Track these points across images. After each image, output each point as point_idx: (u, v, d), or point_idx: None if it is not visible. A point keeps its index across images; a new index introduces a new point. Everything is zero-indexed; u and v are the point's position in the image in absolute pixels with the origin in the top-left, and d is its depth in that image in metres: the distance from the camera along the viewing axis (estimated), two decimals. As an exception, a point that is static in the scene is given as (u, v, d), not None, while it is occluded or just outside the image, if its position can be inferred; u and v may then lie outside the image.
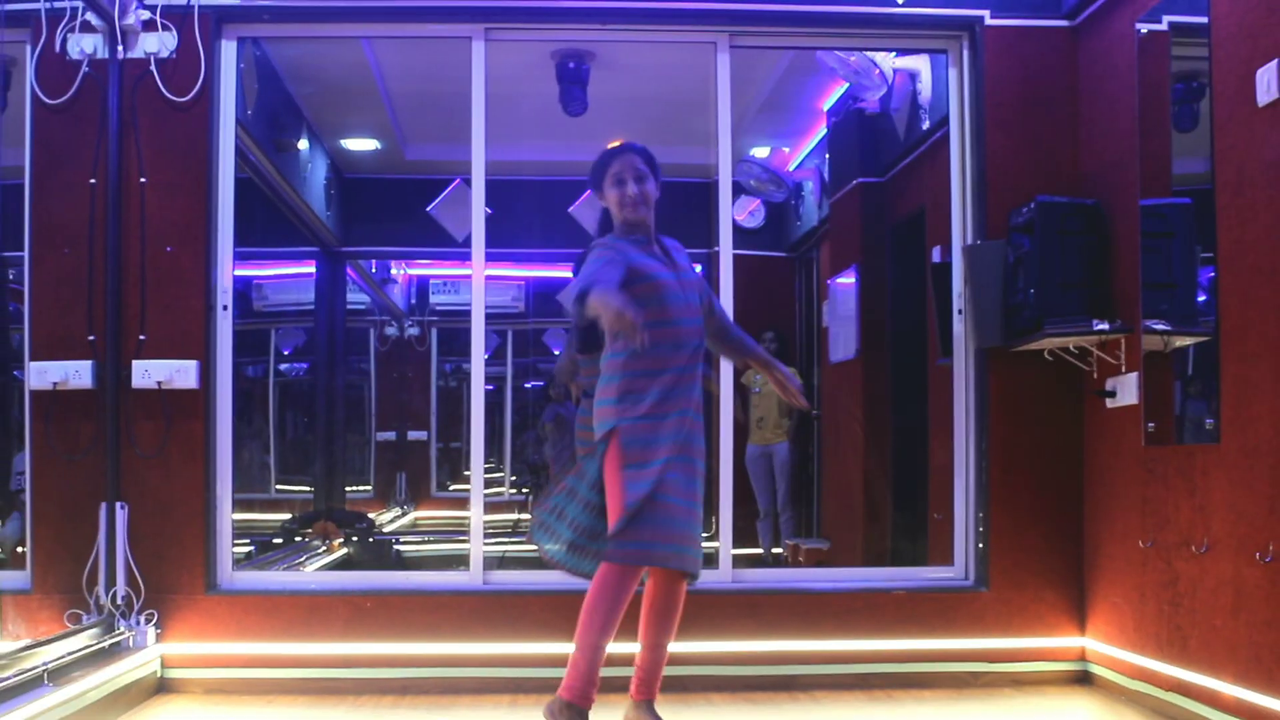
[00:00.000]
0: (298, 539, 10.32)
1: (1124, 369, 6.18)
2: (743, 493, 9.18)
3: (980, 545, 6.71)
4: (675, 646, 6.40)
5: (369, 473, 13.44)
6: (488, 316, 6.88)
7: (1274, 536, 4.92)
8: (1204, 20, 5.48)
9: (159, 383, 6.42)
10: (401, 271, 13.62)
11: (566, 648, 6.27)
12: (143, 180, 6.49)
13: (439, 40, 6.99)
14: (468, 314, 6.92)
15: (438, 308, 13.75)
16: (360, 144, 11.10)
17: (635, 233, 5.25)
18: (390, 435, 13.61)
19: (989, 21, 6.75)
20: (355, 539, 10.63)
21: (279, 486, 12.06)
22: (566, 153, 10.44)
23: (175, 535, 6.44)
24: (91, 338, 6.43)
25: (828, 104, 9.91)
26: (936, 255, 7.55)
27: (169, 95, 6.52)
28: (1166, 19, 5.95)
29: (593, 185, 5.38)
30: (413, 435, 13.67)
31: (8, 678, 5.05)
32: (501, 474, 13.61)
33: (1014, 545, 6.64)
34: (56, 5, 6.46)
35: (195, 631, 6.40)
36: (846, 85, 9.11)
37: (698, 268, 11.86)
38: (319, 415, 12.25)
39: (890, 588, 6.69)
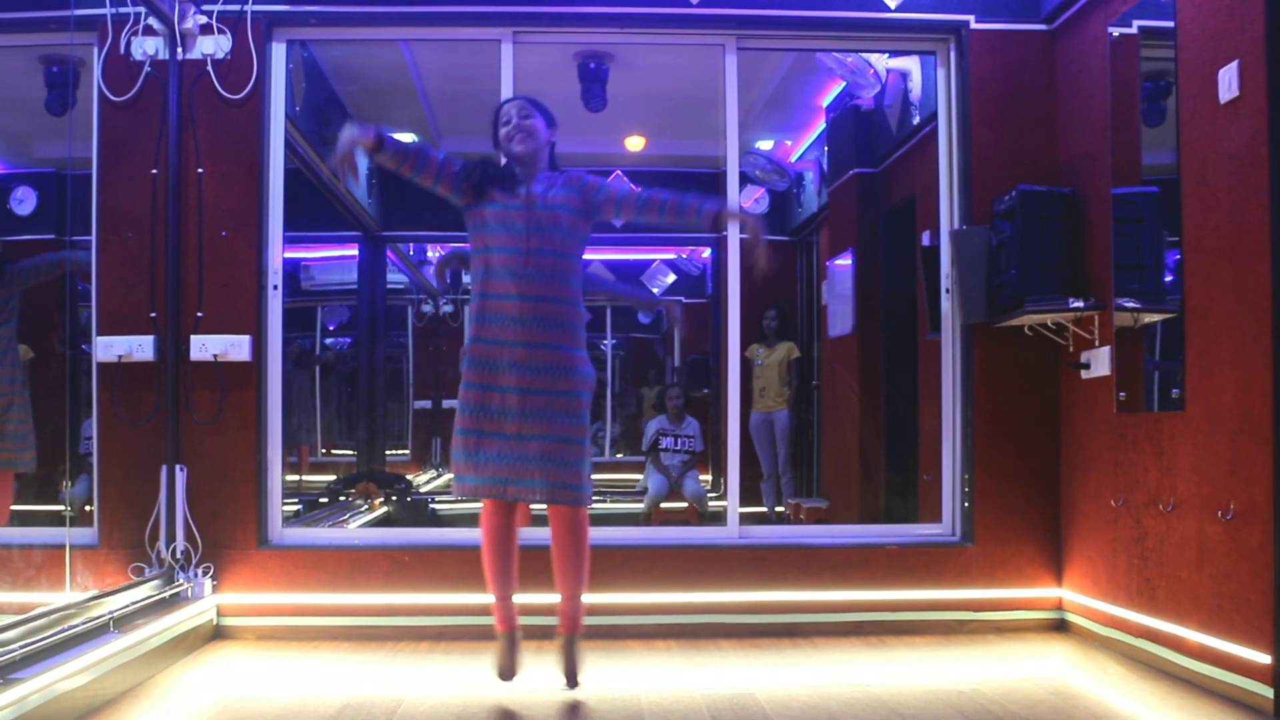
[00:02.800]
0: (342, 498, 10.33)
1: (1097, 343, 6.17)
2: (747, 457, 9.19)
3: (966, 504, 6.71)
4: (688, 596, 6.45)
5: (407, 438, 13.43)
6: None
7: (1234, 496, 4.92)
8: (1171, 25, 5.46)
9: (215, 356, 6.43)
10: (436, 254, 13.60)
11: (584, 598, 6.30)
12: (200, 171, 6.50)
13: (471, 43, 6.97)
14: (497, 293, 6.90)
15: (470, 287, 13.71)
16: (399, 137, 11.05)
17: (516, 167, 5.20)
18: (426, 403, 13.59)
19: (974, 26, 6.74)
20: (394, 498, 10.63)
21: (325, 450, 12.09)
22: (587, 145, 10.45)
23: (230, 495, 6.46)
24: (153, 314, 6.44)
25: (826, 101, 9.87)
26: (926, 239, 7.53)
27: (224, 93, 6.52)
28: (1136, 23, 5.93)
29: (491, 139, 5.33)
30: (447, 403, 13.61)
31: (77, 625, 5.08)
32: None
33: (997, 504, 6.65)
34: (121, 11, 6.47)
35: (248, 583, 6.43)
36: (844, 84, 9.07)
37: (705, 252, 11.86)
38: (361, 385, 12.25)
39: (884, 543, 6.69)
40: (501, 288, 5.02)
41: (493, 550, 5.17)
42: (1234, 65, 4.96)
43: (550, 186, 5.17)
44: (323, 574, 6.45)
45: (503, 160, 5.29)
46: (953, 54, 6.87)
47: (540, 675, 5.30)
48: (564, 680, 5.21)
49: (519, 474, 4.93)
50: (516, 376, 4.95)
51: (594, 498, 5.26)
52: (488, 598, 5.92)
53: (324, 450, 12.05)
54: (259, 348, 6.52)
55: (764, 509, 10.47)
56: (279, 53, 6.72)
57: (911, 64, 8.24)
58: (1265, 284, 4.74)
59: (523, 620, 5.26)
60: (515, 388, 4.95)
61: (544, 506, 5.14)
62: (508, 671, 5.21)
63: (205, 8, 6.50)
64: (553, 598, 5.25)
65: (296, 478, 10.50)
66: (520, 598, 5.26)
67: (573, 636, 5.24)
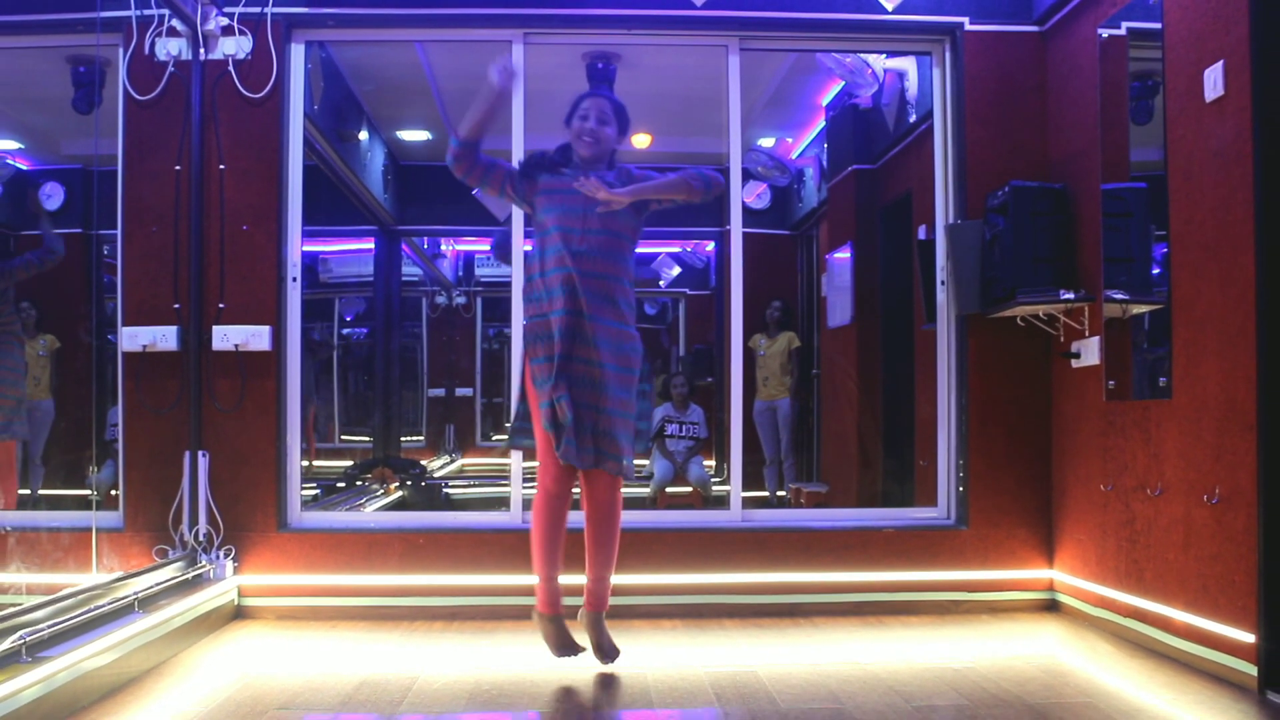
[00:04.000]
0: (358, 483, 10.34)
1: (1087, 333, 6.17)
2: (750, 443, 9.19)
3: (960, 488, 6.71)
4: (692, 577, 6.46)
5: (421, 424, 13.45)
6: (526, 287, 6.88)
7: (1219, 481, 4.92)
8: (1158, 26, 5.46)
9: (236, 345, 6.44)
10: (450, 247, 13.61)
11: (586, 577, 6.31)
12: (222, 167, 6.50)
13: (484, 43, 6.96)
14: (508, 284, 6.92)
15: (482, 279, 13.73)
16: (414, 135, 11.07)
17: (581, 163, 5.22)
18: (440, 392, 13.61)
19: (968, 27, 6.73)
20: (409, 483, 10.64)
21: (343, 437, 12.11)
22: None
23: (250, 480, 6.47)
24: (176, 305, 6.45)
25: (826, 100, 9.86)
26: (922, 233, 7.52)
27: (245, 92, 6.52)
28: (1125, 25, 5.93)
29: (565, 119, 5.32)
30: (460, 392, 13.67)
31: (104, 605, 5.09)
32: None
33: (990, 488, 6.65)
34: (146, 13, 6.47)
35: (268, 565, 6.44)
36: (843, 83, 9.06)
37: (710, 245, 11.85)
38: (377, 374, 12.27)
39: (881, 526, 6.69)
40: (558, 262, 5.02)
41: (545, 528, 5.18)
42: (1219, 65, 4.95)
43: (605, 174, 5.19)
44: (340, 556, 6.46)
45: (560, 145, 5.32)
46: (948, 54, 6.86)
47: (548, 654, 5.30)
48: (602, 657, 5.20)
49: (579, 439, 4.95)
50: (575, 347, 4.97)
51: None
52: (502, 578, 5.95)
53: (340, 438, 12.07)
54: (278, 338, 6.53)
55: (766, 493, 10.47)
56: (298, 53, 6.73)
57: (908, 64, 8.24)
58: (1249, 276, 4.74)
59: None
60: (577, 357, 4.97)
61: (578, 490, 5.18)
62: (569, 648, 5.20)
63: (227, 10, 6.51)
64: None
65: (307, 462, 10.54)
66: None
67: (599, 614, 5.26)
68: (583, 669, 5.17)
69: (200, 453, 6.42)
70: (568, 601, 5.24)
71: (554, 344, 4.96)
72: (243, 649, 5.67)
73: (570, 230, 5.02)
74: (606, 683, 4.96)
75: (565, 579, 5.24)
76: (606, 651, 5.20)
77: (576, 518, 5.26)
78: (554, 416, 4.94)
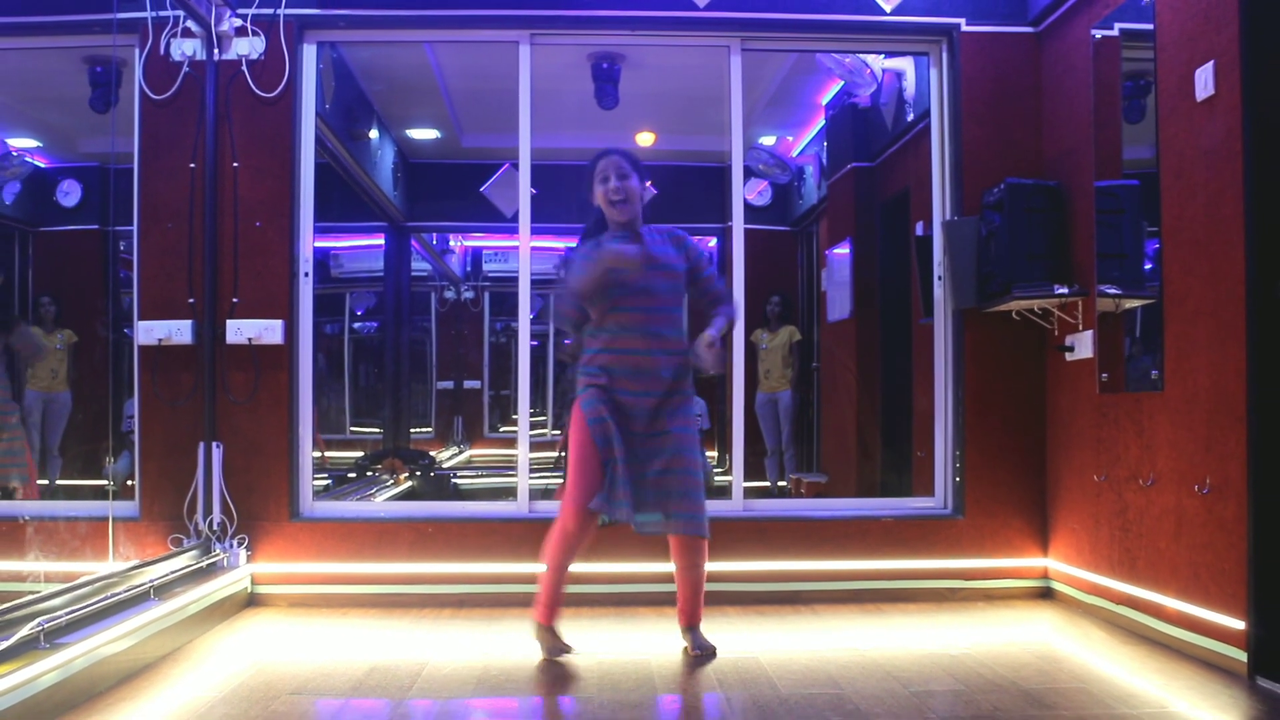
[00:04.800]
0: (369, 473, 10.36)
1: (1081, 327, 6.17)
2: (752, 434, 9.19)
3: (957, 479, 6.72)
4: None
5: (430, 416, 13.47)
6: (532, 282, 6.88)
7: (1210, 471, 4.92)
8: (1150, 27, 5.45)
9: (249, 339, 6.44)
10: (458, 243, 13.62)
11: (597, 567, 6.32)
12: (235, 165, 6.51)
13: (491, 44, 6.96)
14: (516, 280, 6.92)
15: (490, 274, 13.75)
16: (423, 133, 11.08)
17: (621, 231, 5.17)
18: (449, 384, 13.63)
19: (964, 28, 6.73)
20: (419, 473, 10.66)
21: (353, 428, 12.13)
22: (601, 141, 10.32)
23: (263, 470, 6.48)
24: (191, 300, 6.46)
25: (826, 99, 9.86)
26: (919, 229, 7.53)
27: (258, 92, 6.53)
28: (1118, 26, 5.92)
29: (587, 188, 5.28)
30: (468, 384, 13.68)
31: (120, 593, 5.10)
32: (544, 418, 13.63)
33: (986, 479, 6.65)
34: (161, 14, 6.48)
35: (280, 553, 6.45)
36: (842, 83, 9.07)
37: (712, 241, 11.86)
38: (387, 367, 12.29)
39: (880, 515, 6.69)
40: (631, 343, 5.05)
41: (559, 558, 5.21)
42: (1210, 65, 4.95)
43: (657, 243, 5.19)
44: (351, 544, 6.47)
45: (594, 219, 5.31)
46: (944, 55, 6.86)
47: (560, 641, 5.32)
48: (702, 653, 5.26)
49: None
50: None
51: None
52: (508, 566, 5.95)
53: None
54: (291, 331, 6.54)
55: (767, 483, 10.49)
56: (310, 54, 6.73)
57: (906, 64, 8.23)
58: (1239, 272, 4.73)
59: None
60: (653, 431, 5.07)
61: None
62: (559, 650, 5.24)
63: (240, 11, 6.51)
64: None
65: (319, 454, 10.55)
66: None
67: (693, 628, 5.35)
68: (588, 656, 5.18)
69: (214, 444, 6.43)
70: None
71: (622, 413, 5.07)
72: (256, 635, 5.68)
73: (640, 310, 5.06)
74: (610, 669, 4.97)
75: (575, 568, 5.25)
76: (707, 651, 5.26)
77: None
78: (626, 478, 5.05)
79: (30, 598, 4.54)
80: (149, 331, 6.44)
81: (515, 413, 12.42)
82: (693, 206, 11.42)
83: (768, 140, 11.10)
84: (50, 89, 8.40)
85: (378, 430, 12.21)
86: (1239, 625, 4.74)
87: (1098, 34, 6.05)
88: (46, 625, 4.37)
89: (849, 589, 6.55)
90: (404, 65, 8.88)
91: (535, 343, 13.33)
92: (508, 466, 8.57)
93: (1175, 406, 5.23)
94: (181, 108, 6.51)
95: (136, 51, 6.53)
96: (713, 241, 12.60)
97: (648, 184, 5.31)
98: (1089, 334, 6.09)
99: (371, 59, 8.68)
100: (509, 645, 5.37)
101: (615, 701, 4.45)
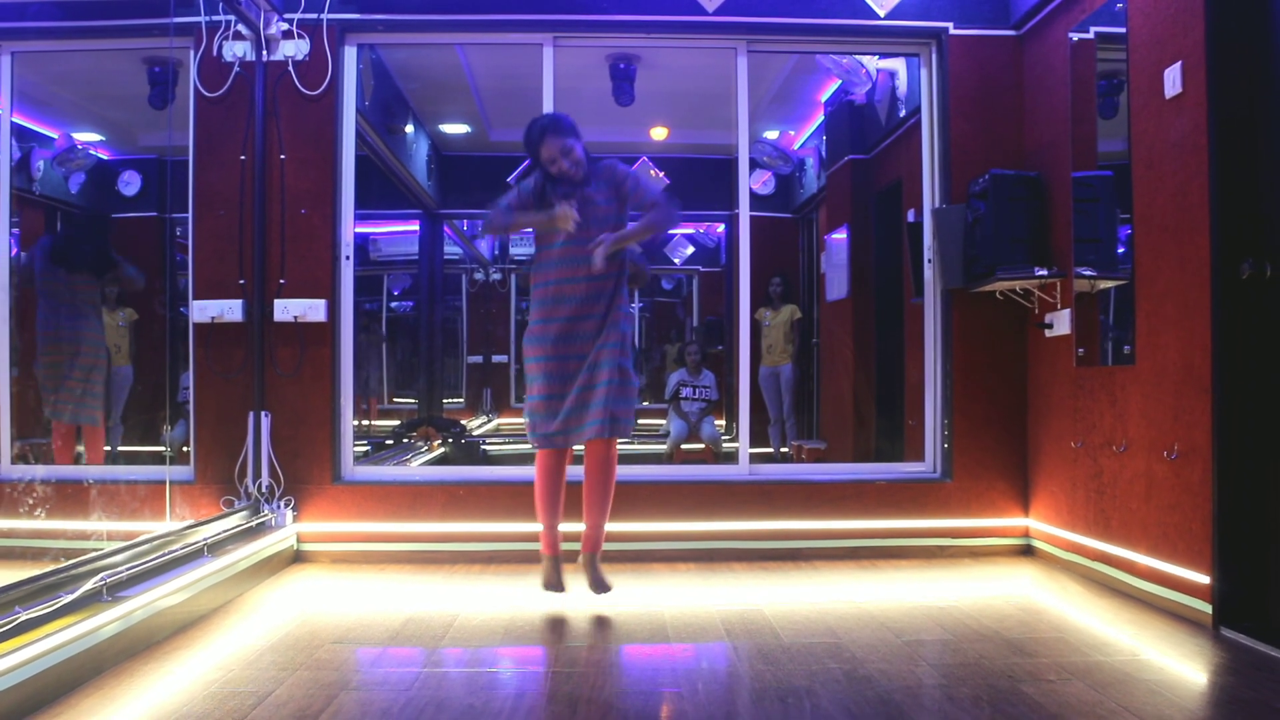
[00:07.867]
0: (405, 440, 10.37)
1: (1059, 306, 6.16)
2: (756, 404, 9.18)
3: (945, 445, 6.72)
4: (705, 525, 6.48)
5: (461, 388, 13.48)
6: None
7: (1178, 438, 4.92)
8: (1123, 31, 5.43)
9: (295, 317, 6.46)
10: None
11: (614, 526, 6.32)
12: (282, 157, 6.51)
13: (517, 46, 6.94)
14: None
15: (515, 258, 13.73)
16: (455, 128, 11.06)
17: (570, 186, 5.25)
18: (478, 358, 13.63)
19: (952, 32, 6.71)
20: (451, 441, 10.67)
21: (392, 399, 12.14)
22: (618, 135, 10.44)
23: (308, 437, 6.50)
24: (241, 281, 6.47)
25: (825, 96, 9.82)
26: (911, 216, 7.49)
27: (303, 90, 6.53)
28: (1093, 29, 5.91)
29: (528, 153, 5.29)
30: (496, 359, 13.68)
31: (176, 550, 5.13)
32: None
33: (972, 445, 6.65)
34: (215, 19, 6.48)
35: (324, 514, 6.47)
36: (840, 82, 9.03)
37: (720, 227, 11.79)
38: (421, 343, 12.29)
39: (874, 479, 6.69)
40: (560, 273, 5.14)
41: (545, 485, 5.32)
42: (1177, 66, 4.93)
43: (592, 182, 5.25)
44: (389, 506, 6.49)
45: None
46: (934, 56, 6.83)
47: (577, 593, 5.34)
48: (596, 590, 5.28)
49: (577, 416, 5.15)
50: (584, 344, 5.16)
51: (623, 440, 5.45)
52: (533, 526, 5.96)
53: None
54: (333, 310, 6.55)
55: (771, 449, 10.48)
56: (351, 55, 6.73)
57: (898, 64, 8.20)
58: (1204, 255, 4.72)
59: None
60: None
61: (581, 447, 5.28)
62: (556, 585, 5.32)
63: (287, 16, 6.51)
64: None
65: (367, 423, 10.56)
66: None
67: (594, 555, 5.33)
68: (607, 608, 5.20)
69: (263, 413, 6.45)
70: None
71: (551, 346, 5.18)
72: (301, 589, 5.70)
73: (579, 242, 5.12)
74: (626, 620, 4.98)
75: (566, 526, 5.28)
76: (600, 586, 5.29)
77: (575, 471, 5.29)
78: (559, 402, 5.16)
79: (94, 555, 4.56)
80: (203, 310, 6.45)
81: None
82: (702, 195, 11.42)
83: (771, 134, 11.07)
84: (112, 87, 8.40)
85: (413, 401, 12.23)
86: (1204, 580, 4.75)
87: (1075, 37, 6.03)
88: (109, 580, 4.39)
89: (846, 547, 6.56)
90: (437, 65, 8.86)
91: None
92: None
93: (1146, 379, 5.22)
94: (233, 104, 6.52)
95: (191, 53, 6.54)
96: (721, 227, 12.60)
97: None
98: (1067, 312, 6.07)
99: (407, 60, 8.66)
100: (535, 599, 5.38)
101: (631, 650, 4.46)
